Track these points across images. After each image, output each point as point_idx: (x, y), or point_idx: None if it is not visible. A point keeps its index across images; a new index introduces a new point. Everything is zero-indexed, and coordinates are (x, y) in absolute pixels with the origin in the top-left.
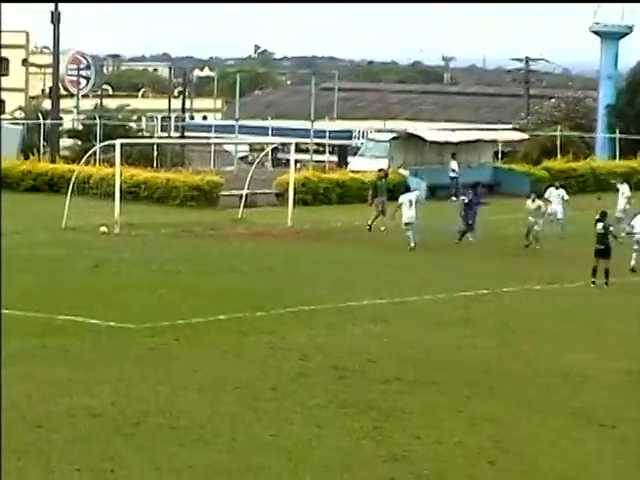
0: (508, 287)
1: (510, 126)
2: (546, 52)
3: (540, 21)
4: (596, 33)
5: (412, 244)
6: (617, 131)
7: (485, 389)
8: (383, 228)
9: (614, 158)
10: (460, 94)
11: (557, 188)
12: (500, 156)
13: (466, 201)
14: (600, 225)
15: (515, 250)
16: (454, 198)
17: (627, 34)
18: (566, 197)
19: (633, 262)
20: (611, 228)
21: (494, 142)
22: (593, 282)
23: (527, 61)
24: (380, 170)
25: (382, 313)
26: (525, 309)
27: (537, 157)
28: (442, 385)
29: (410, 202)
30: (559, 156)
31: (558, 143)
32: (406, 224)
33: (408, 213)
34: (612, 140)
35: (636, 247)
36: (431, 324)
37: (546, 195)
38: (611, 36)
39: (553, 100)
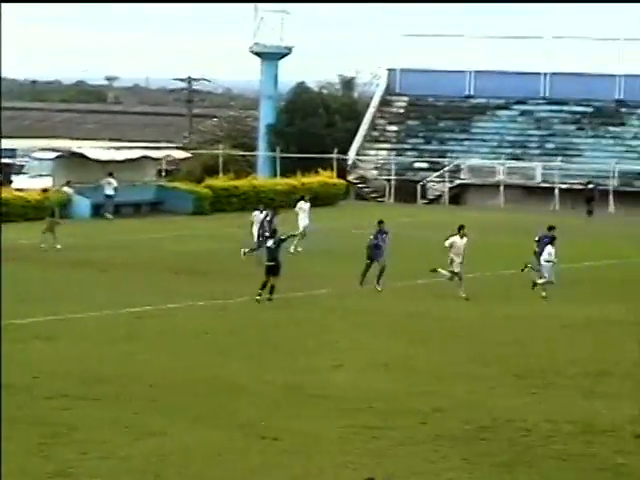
0: (173, 304)
1: (174, 145)
2: (208, 72)
3: (202, 41)
4: (256, 54)
5: None
6: (278, 150)
7: (151, 403)
8: (44, 245)
9: (275, 176)
10: (124, 113)
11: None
12: (164, 174)
13: (266, 217)
14: (270, 242)
15: (180, 267)
16: (109, 216)
17: (286, 55)
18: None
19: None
20: (283, 237)
21: (158, 160)
22: (259, 295)
23: (189, 81)
24: (45, 190)
25: (48, 330)
26: (189, 325)
27: (200, 175)
28: (108, 400)
29: None
30: (221, 174)
31: (220, 161)
32: None
33: None
34: (273, 159)
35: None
36: (97, 340)
37: (296, 208)
38: (271, 57)
39: (215, 119)
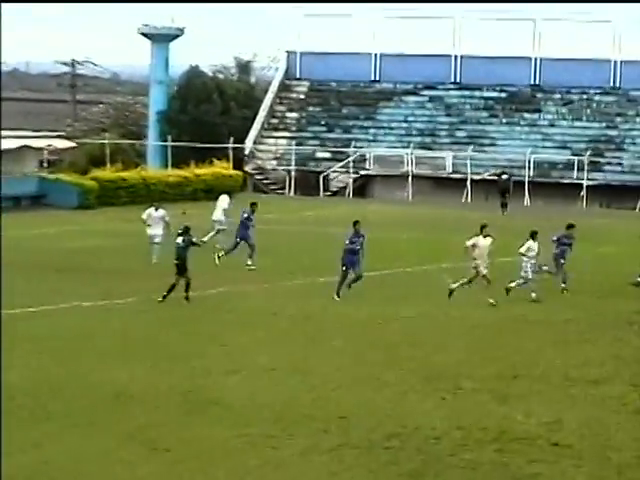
0: (57, 304)
1: (57, 133)
2: (93, 55)
3: (88, 22)
4: (146, 35)
5: None
6: (169, 139)
7: (35, 411)
8: None
9: (166, 167)
10: (2, 100)
11: (157, 209)
12: (46, 165)
13: (245, 217)
14: (180, 239)
15: (65, 265)
16: None
17: (178, 36)
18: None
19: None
20: (194, 240)
21: (39, 150)
22: (164, 297)
23: (73, 64)
24: None
25: None
26: (75, 327)
27: (85, 166)
28: None
29: None
30: (108, 165)
31: (107, 151)
32: None
33: None
34: (164, 148)
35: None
36: None
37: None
38: (161, 39)
39: (102, 106)
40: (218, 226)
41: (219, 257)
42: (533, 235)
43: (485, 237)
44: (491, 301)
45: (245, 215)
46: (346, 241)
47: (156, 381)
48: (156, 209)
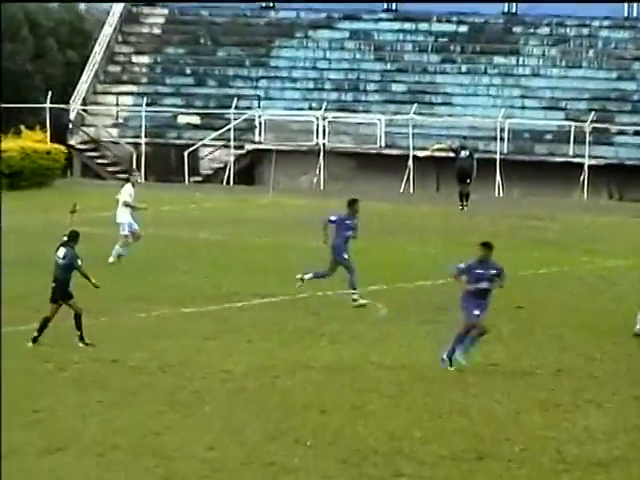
0: None
1: None
2: None
3: None
4: None
5: None
6: None
7: None
8: None
9: None
10: None
11: (134, 184)
12: None
13: (332, 220)
14: (62, 251)
15: None
16: None
17: None
18: None
19: None
20: (79, 262)
21: None
22: (35, 337)
23: None
24: None
25: None
26: None
27: None
28: None
29: None
30: None
31: None
32: None
33: None
34: None
35: None
36: None
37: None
38: None
39: None
40: (123, 231)
41: (302, 281)
42: None
43: None
44: None
45: (340, 219)
46: (471, 275)
47: None
48: None
